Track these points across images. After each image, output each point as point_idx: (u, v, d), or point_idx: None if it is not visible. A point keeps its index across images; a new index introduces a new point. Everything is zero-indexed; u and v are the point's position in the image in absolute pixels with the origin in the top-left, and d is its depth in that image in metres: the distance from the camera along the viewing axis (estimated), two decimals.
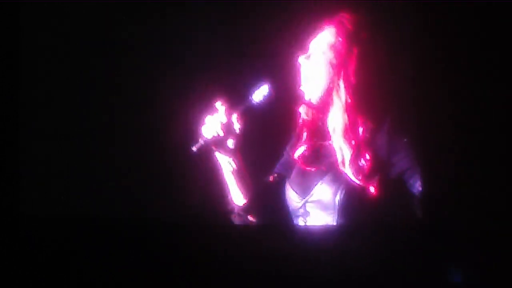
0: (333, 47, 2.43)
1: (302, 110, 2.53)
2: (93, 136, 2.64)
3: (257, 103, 2.44)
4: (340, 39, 2.42)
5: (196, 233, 2.52)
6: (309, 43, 2.48)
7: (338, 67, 2.41)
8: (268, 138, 2.59)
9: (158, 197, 2.62)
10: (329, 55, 2.43)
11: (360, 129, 2.40)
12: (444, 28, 2.66)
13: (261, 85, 2.45)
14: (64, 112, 2.66)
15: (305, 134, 2.53)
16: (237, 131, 2.43)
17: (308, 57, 2.46)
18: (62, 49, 2.70)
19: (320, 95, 2.44)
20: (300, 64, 2.47)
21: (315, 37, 2.48)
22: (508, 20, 2.65)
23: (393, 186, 2.39)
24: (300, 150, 2.52)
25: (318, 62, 2.44)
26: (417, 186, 2.38)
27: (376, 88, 2.41)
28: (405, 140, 2.40)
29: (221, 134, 2.40)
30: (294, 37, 2.49)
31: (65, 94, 2.67)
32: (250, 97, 2.44)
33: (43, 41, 2.69)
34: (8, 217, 2.57)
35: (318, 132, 2.51)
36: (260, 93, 2.44)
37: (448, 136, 2.61)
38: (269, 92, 2.44)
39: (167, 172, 2.61)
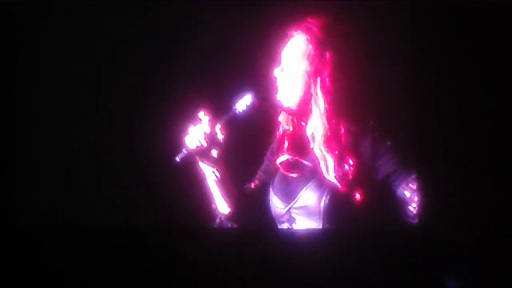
0: (305, 55, 2.42)
1: (282, 118, 2.53)
2: (81, 144, 2.67)
3: (240, 112, 2.45)
4: (310, 46, 2.41)
5: (182, 239, 2.55)
6: (281, 53, 2.47)
7: (313, 74, 2.40)
8: (252, 147, 2.59)
9: (145, 206, 2.65)
10: (303, 64, 2.42)
11: (342, 135, 2.39)
12: (421, 25, 2.64)
13: (244, 95, 2.46)
14: (55, 124, 2.70)
15: (286, 143, 2.52)
16: (221, 141, 2.43)
17: (282, 69, 2.45)
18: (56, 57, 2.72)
19: (298, 104, 2.43)
20: (275, 77, 2.46)
21: (285, 45, 2.47)
22: (488, 20, 2.63)
23: (378, 190, 2.39)
24: (282, 158, 2.51)
25: (292, 73, 2.43)
26: (402, 189, 2.38)
27: (355, 92, 2.40)
28: (389, 143, 2.39)
29: (205, 144, 2.40)
30: (266, 47, 2.49)
31: (56, 106, 2.70)
32: (233, 107, 2.45)
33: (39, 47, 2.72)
34: (5, 226, 2.61)
35: (299, 140, 2.50)
36: (244, 103, 2.45)
37: (434, 137, 2.60)
38: (253, 102, 2.45)
39: (152, 182, 2.63)
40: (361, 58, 2.41)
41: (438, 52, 2.66)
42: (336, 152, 2.38)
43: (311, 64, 2.41)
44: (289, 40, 2.47)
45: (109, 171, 2.63)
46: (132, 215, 2.63)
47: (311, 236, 2.45)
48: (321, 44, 2.40)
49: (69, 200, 2.65)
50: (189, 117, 2.42)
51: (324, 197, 2.38)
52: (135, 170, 2.62)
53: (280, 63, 2.47)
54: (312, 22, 2.43)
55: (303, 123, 2.48)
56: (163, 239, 2.58)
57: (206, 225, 2.53)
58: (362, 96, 2.41)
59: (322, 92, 2.39)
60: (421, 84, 2.61)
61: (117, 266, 2.58)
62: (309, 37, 2.42)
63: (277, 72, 2.46)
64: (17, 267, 2.59)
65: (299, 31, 2.44)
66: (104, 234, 2.60)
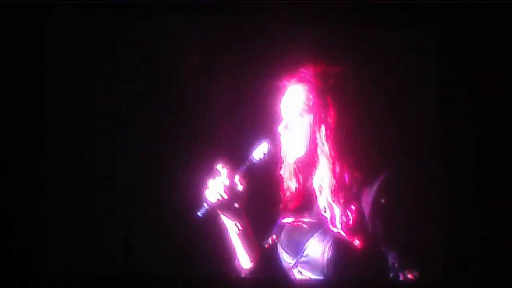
0: (306, 106, 2.39)
1: (285, 172, 2.49)
2: (105, 195, 2.66)
3: (258, 161, 2.43)
4: (310, 95, 2.38)
5: None
6: (280, 105, 2.45)
7: (318, 124, 2.37)
8: (272, 196, 2.54)
9: (169, 260, 2.64)
10: (305, 115, 2.39)
11: (348, 183, 2.35)
12: (425, 61, 2.63)
13: (260, 143, 2.44)
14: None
15: (290, 202, 2.48)
16: (241, 192, 2.41)
17: (286, 125, 2.42)
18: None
19: (306, 156, 2.41)
20: (279, 134, 2.43)
21: (282, 97, 2.44)
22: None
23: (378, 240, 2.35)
24: (286, 220, 2.47)
25: (296, 126, 2.41)
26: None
27: (361, 135, 2.37)
28: (394, 206, 2.34)
29: (225, 197, 2.38)
30: (266, 99, 2.48)
31: (80, 158, 2.69)
32: (250, 156, 2.43)
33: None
34: (28, 274, 2.61)
35: (304, 195, 2.47)
36: (260, 151, 2.43)
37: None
38: (269, 149, 2.43)
39: (174, 237, 2.61)
40: (363, 98, 2.38)
41: (449, 88, 2.64)
42: (342, 201, 2.36)
43: (313, 114, 2.38)
44: (284, 91, 2.44)
45: (133, 227, 2.62)
46: (155, 268, 2.63)
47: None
48: (320, 91, 2.38)
49: (93, 248, 2.65)
50: (207, 171, 2.40)
51: (327, 250, 2.34)
52: (158, 225, 2.60)
53: (282, 118, 2.44)
54: (305, 71, 2.40)
55: (310, 175, 2.44)
56: None
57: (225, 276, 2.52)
58: (368, 138, 2.38)
59: (327, 140, 2.36)
60: (432, 122, 2.59)
61: None
62: (306, 87, 2.39)
63: (280, 128, 2.43)
64: None
65: (294, 81, 2.42)
66: (126, 284, 2.61)
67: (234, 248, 2.47)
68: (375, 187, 2.34)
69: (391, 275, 2.33)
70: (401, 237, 2.34)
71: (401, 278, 2.33)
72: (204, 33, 2.68)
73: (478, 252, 2.66)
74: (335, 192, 2.37)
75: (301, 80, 2.41)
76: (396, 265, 2.32)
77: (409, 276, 2.33)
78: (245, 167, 2.43)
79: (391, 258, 2.33)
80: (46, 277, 2.60)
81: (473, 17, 2.70)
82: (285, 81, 2.44)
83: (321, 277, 2.35)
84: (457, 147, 2.68)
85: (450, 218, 2.66)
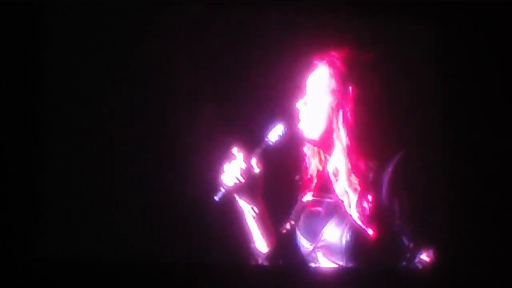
0: (328, 89, 2.38)
1: (308, 150, 2.49)
2: (111, 181, 2.62)
3: (273, 143, 2.41)
4: (333, 80, 2.38)
5: (218, 277, 2.51)
6: (305, 83, 2.44)
7: (336, 108, 2.36)
8: (288, 178, 2.51)
9: (181, 247, 2.61)
10: (326, 97, 2.38)
11: (363, 171, 2.34)
12: (448, 54, 2.63)
13: (276, 125, 2.42)
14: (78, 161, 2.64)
15: (314, 179, 2.47)
16: (258, 175, 2.39)
17: (305, 102, 2.42)
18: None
19: (321, 136, 2.39)
20: (298, 109, 2.43)
21: (309, 76, 2.44)
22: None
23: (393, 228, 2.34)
24: (306, 197, 2.47)
25: (315, 106, 2.40)
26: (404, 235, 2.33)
27: (378, 127, 2.36)
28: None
29: (242, 180, 2.36)
30: (292, 77, 2.47)
31: (82, 141, 2.63)
32: (266, 139, 2.41)
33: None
34: (21, 261, 2.56)
35: (324, 174, 2.46)
36: (276, 133, 2.41)
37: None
38: (285, 131, 2.41)
39: (189, 222, 2.58)
40: (386, 90, 2.37)
41: (467, 83, 2.64)
42: (358, 189, 2.34)
43: (333, 98, 2.37)
44: (313, 70, 2.43)
45: (149, 213, 2.58)
46: (173, 255, 2.59)
47: (335, 273, 2.40)
48: (344, 78, 2.37)
49: (105, 236, 2.60)
50: (223, 155, 2.38)
51: (345, 234, 2.32)
52: (173, 211, 2.57)
53: (304, 94, 2.43)
54: (336, 55, 2.39)
55: (327, 156, 2.44)
56: (200, 276, 2.54)
57: (243, 263, 2.49)
58: (384, 131, 2.36)
59: (344, 127, 2.35)
60: (449, 117, 2.59)
61: None
62: (332, 71, 2.38)
63: (300, 104, 2.42)
64: None
65: (323, 63, 2.41)
66: (135, 272, 2.56)
67: (251, 232, 2.45)
68: (390, 168, 2.33)
69: (407, 256, 2.32)
70: (417, 218, 2.32)
71: (416, 260, 2.32)
72: (228, 12, 2.64)
73: (489, 234, 2.66)
74: (350, 179, 2.36)
75: (329, 63, 2.39)
76: (411, 246, 2.31)
77: (425, 257, 2.33)
78: (260, 150, 2.41)
79: (407, 240, 2.31)
80: (44, 264, 2.54)
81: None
82: (315, 61, 2.43)
83: (340, 262, 2.34)
84: (470, 133, 2.67)
85: (462, 201, 2.66)
